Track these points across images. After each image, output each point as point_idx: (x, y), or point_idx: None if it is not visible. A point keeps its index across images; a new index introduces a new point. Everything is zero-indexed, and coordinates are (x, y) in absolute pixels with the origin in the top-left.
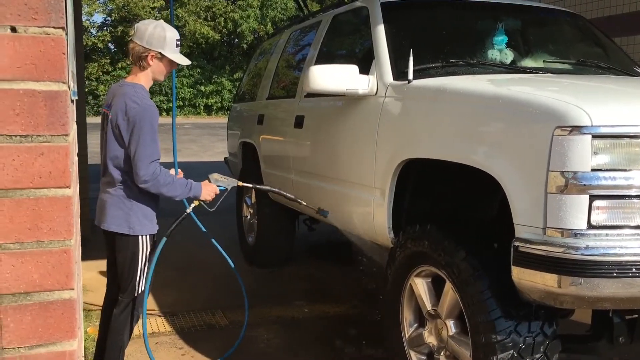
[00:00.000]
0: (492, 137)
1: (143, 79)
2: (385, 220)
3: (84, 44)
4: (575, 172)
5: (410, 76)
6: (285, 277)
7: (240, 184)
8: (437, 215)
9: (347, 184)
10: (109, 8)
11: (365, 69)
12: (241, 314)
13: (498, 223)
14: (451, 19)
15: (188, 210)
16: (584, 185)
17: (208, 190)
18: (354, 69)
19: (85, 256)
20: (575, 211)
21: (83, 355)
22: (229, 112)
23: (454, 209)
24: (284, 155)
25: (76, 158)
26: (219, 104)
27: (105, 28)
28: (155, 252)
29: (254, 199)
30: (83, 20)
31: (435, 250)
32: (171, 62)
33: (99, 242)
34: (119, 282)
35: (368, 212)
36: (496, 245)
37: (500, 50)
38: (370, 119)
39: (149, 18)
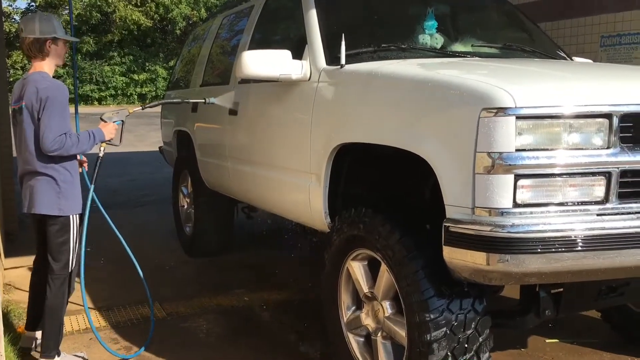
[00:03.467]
0: (422, 120)
1: (46, 67)
2: (321, 205)
3: (7, 30)
4: (500, 153)
5: (343, 61)
6: (224, 266)
7: (131, 110)
8: (372, 199)
9: (283, 170)
10: None
11: (298, 54)
12: (181, 305)
13: (431, 205)
14: (383, 3)
15: (101, 154)
16: (509, 165)
17: (108, 129)
18: (287, 54)
19: (13, 252)
20: (502, 190)
21: (2, 354)
22: None
23: (388, 192)
24: (219, 143)
25: None
26: (153, 93)
27: (29, 14)
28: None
29: (190, 189)
30: (4, 5)
31: (371, 233)
32: (64, 42)
33: (27, 237)
34: (51, 261)
35: (304, 197)
36: (429, 227)
37: (430, 35)
38: (304, 105)
39: (75, 3)
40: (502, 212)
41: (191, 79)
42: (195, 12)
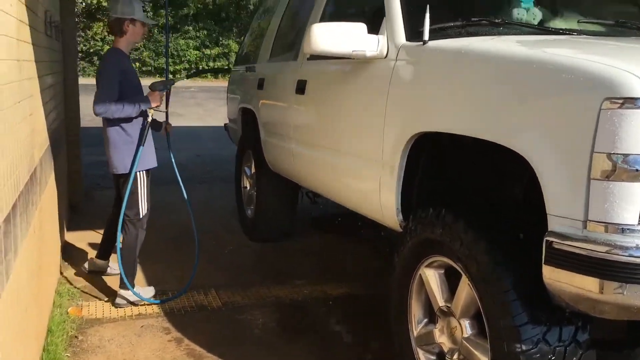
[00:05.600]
0: (523, 108)
1: (122, 44)
2: (393, 201)
3: (88, 2)
4: (626, 155)
5: (426, 36)
6: (285, 253)
7: (176, 80)
8: (453, 197)
9: (352, 158)
10: None
11: (374, 29)
12: (238, 294)
13: (524, 208)
14: None
15: (149, 119)
16: (637, 170)
17: (154, 98)
18: (361, 27)
19: (75, 226)
20: (625, 202)
21: None
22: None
23: (474, 191)
24: (284, 123)
25: None
26: (226, 67)
27: None
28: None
29: (253, 170)
30: None
31: (451, 240)
32: (142, 24)
33: (91, 210)
34: (125, 209)
35: (374, 190)
36: (522, 236)
37: (527, 9)
38: (379, 85)
39: None
40: (623, 229)
41: (259, 54)
42: None
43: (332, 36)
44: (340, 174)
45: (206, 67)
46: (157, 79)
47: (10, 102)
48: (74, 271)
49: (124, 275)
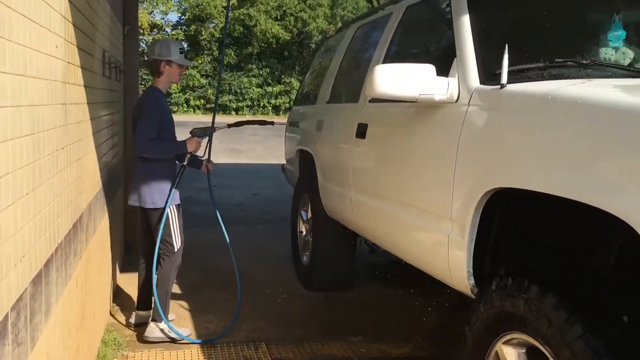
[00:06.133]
0: (627, 166)
1: (160, 84)
2: (464, 263)
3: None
4: None
5: (504, 79)
6: (342, 305)
7: (217, 128)
8: (533, 261)
9: (417, 211)
10: (183, 7)
11: (444, 70)
12: (290, 350)
13: (621, 280)
14: (554, 8)
15: (184, 163)
16: None
17: (192, 143)
18: (429, 69)
19: (128, 267)
20: None
21: None
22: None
23: (560, 256)
24: (343, 168)
25: None
26: (287, 104)
27: (179, 27)
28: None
29: (309, 214)
30: (158, 19)
31: (536, 318)
32: (179, 66)
33: None
34: (158, 243)
35: (441, 249)
36: (626, 319)
37: (616, 48)
38: (448, 133)
39: (220, 17)
40: None
41: (319, 94)
42: (332, 26)
43: (397, 78)
44: (403, 228)
45: (267, 104)
46: (221, 116)
47: (49, 150)
48: (123, 317)
49: (159, 306)
